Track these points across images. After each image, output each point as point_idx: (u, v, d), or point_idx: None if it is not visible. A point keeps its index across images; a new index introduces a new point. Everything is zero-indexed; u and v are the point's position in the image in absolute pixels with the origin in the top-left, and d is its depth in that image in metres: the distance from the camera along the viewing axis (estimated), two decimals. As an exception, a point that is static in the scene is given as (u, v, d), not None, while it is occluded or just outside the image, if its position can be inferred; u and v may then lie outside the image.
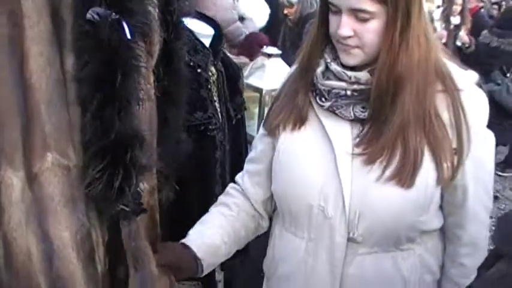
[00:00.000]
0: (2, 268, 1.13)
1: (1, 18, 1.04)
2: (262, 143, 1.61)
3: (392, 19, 1.31)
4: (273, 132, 1.54)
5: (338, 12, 1.35)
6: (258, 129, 3.67)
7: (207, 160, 2.11)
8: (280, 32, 4.15)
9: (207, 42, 2.15)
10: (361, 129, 1.41)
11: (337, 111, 1.41)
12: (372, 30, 1.33)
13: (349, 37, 1.34)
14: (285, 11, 4.00)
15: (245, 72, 3.26)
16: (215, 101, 2.13)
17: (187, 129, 1.67)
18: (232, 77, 2.28)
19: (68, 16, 1.09)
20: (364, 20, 1.32)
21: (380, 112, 1.36)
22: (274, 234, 1.61)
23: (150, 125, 1.32)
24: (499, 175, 5.71)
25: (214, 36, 2.19)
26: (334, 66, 1.41)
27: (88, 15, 1.07)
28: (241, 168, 2.25)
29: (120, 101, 1.12)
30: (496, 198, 4.93)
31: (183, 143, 1.54)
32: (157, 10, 1.27)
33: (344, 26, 1.33)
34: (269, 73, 3.65)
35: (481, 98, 1.42)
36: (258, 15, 3.67)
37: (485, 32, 5.69)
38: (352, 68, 1.40)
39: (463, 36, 5.86)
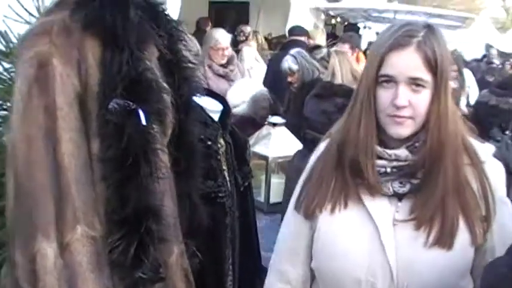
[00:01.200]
0: None
1: (38, 111, 1.25)
2: (296, 225, 1.61)
3: (438, 90, 1.40)
4: (310, 216, 1.54)
5: (392, 84, 1.40)
6: (264, 195, 3.82)
7: (218, 226, 2.25)
8: (285, 97, 4.37)
9: (216, 116, 2.33)
10: (398, 204, 1.46)
11: (379, 190, 1.45)
12: (424, 100, 1.40)
13: (405, 107, 1.39)
14: (289, 79, 4.21)
15: (251, 141, 3.45)
16: (224, 171, 2.30)
17: (200, 197, 1.83)
18: (240, 148, 2.45)
19: (93, 107, 1.30)
20: (418, 90, 1.39)
21: (426, 183, 1.43)
22: None
23: (170, 199, 1.49)
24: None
25: (222, 111, 2.38)
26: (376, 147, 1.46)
27: (110, 106, 1.27)
28: (249, 234, 2.40)
29: (137, 178, 1.31)
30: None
31: (200, 211, 1.70)
32: (170, 96, 1.46)
33: (402, 96, 1.38)
34: (274, 141, 3.84)
35: (501, 169, 1.55)
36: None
37: (484, 91, 5.90)
38: (387, 145, 1.46)
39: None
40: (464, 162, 1.46)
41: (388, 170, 1.45)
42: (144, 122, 1.30)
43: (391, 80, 1.40)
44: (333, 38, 9.32)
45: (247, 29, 7.62)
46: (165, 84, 1.44)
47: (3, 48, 3.10)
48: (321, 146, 1.62)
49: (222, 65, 4.75)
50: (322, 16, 10.33)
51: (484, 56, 12.90)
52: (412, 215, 1.44)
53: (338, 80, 4.22)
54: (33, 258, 1.25)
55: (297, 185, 1.62)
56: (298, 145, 3.43)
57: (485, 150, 1.53)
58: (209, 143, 2.24)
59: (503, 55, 17.84)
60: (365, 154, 1.45)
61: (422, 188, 1.44)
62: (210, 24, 7.30)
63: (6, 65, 3.13)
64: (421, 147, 1.44)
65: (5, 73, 3.14)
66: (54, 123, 1.26)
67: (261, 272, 2.64)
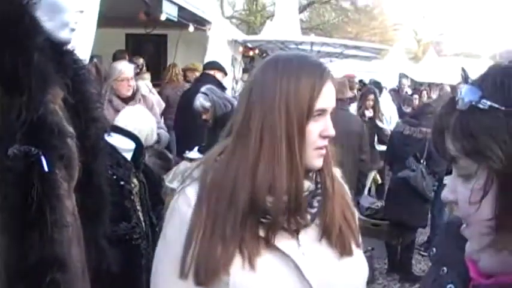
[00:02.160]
0: None
1: None
2: None
3: None
4: (209, 282, 1.30)
5: (322, 116, 1.35)
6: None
7: (133, 268, 2.19)
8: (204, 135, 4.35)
9: (128, 155, 2.29)
10: (299, 238, 1.38)
11: (286, 225, 1.35)
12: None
13: (329, 138, 1.38)
14: (204, 116, 4.20)
15: (169, 177, 3.39)
16: (138, 211, 2.25)
17: (113, 239, 1.76)
18: (154, 187, 2.41)
19: None
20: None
21: (325, 207, 1.41)
22: None
23: (76, 246, 1.43)
24: (423, 255, 5.95)
25: (135, 149, 2.33)
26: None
27: (9, 152, 1.20)
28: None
29: (38, 227, 1.24)
30: (420, 277, 5.12)
31: (108, 255, 1.63)
32: (75, 139, 1.40)
33: (331, 126, 1.36)
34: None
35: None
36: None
37: (399, 121, 6.15)
38: None
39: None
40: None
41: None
42: (46, 168, 1.23)
43: (323, 113, 1.35)
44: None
45: (140, 60, 7.55)
46: (69, 128, 1.38)
47: None
48: (190, 194, 1.36)
49: (125, 98, 4.65)
50: (240, 48, 10.42)
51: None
52: (316, 240, 1.40)
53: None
54: None
55: (173, 247, 1.33)
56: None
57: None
58: (122, 183, 2.19)
59: (416, 84, 18.75)
60: (295, 196, 1.33)
61: (320, 214, 1.40)
62: (127, 57, 7.18)
63: None
64: (314, 174, 1.42)
65: None
66: None
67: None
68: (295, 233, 1.38)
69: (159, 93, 7.23)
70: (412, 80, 19.21)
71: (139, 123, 2.55)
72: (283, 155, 1.31)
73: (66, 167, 1.35)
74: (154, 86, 7.22)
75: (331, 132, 1.36)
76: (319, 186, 1.41)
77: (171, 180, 3.45)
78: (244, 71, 10.14)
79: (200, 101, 4.07)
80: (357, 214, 1.53)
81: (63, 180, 1.33)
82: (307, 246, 1.39)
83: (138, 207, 2.25)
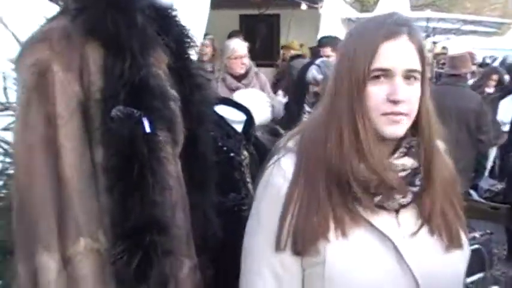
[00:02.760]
0: None
1: (38, 120, 1.20)
2: (285, 268, 1.32)
3: (424, 82, 1.30)
4: (305, 252, 1.29)
5: (386, 78, 1.26)
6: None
7: (241, 239, 2.17)
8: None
9: (239, 127, 2.26)
10: (399, 217, 1.33)
11: (385, 204, 1.30)
12: (417, 94, 1.28)
13: (403, 103, 1.25)
14: (315, 89, 4.10)
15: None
16: (248, 183, 2.22)
17: (221, 210, 1.75)
18: (265, 159, 2.37)
19: (96, 115, 1.23)
20: (411, 83, 1.26)
21: (424, 188, 1.33)
22: None
23: (181, 211, 1.43)
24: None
25: (246, 121, 2.30)
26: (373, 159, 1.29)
27: (112, 114, 1.20)
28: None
29: (139, 190, 1.24)
30: None
31: (214, 224, 1.62)
32: (179, 103, 1.39)
33: (402, 89, 1.24)
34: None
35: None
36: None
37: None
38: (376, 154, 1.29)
39: None
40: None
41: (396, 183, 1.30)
42: (148, 129, 1.22)
43: (386, 73, 1.26)
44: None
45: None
46: (173, 91, 1.37)
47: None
48: (285, 165, 1.34)
49: (238, 76, 4.66)
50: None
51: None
52: (418, 223, 1.33)
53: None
54: (34, 271, 1.21)
55: (267, 221, 1.33)
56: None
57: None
58: (232, 154, 2.17)
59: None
60: (371, 168, 1.27)
61: (421, 194, 1.33)
62: (241, 37, 7.26)
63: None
64: (417, 151, 1.32)
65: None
66: (55, 132, 1.20)
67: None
68: (395, 212, 1.32)
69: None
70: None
71: (251, 98, 2.56)
72: (349, 120, 1.27)
73: (169, 130, 1.33)
74: (266, 66, 7.27)
75: (399, 96, 1.23)
76: (420, 164, 1.32)
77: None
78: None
79: (312, 72, 4.00)
80: (461, 196, 1.43)
81: (166, 143, 1.32)
82: (408, 228, 1.33)
83: (248, 179, 2.22)
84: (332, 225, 1.27)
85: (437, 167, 1.33)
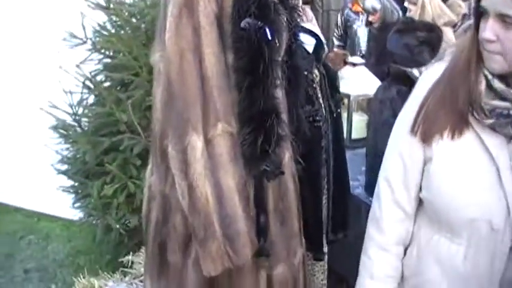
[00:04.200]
0: (187, 209, 1.58)
1: (188, 29, 1.54)
2: (412, 149, 1.52)
3: None
4: (427, 139, 1.47)
5: (487, 16, 1.33)
6: (346, 131, 4.04)
7: (315, 147, 2.51)
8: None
9: (310, 49, 2.57)
10: None
11: (497, 129, 1.39)
12: None
13: (492, 42, 1.32)
14: (370, 18, 4.31)
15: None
16: (319, 98, 2.54)
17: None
18: (331, 78, 2.68)
19: (228, 26, 1.58)
20: (507, 27, 1.30)
21: None
22: (420, 236, 1.59)
23: (284, 107, 1.76)
24: None
25: (315, 45, 2.61)
26: (498, 84, 1.38)
27: (242, 24, 1.53)
28: (341, 156, 2.64)
29: (263, 84, 1.58)
30: None
31: (304, 124, 1.96)
32: (286, 19, 1.71)
33: (488, 30, 1.31)
34: (355, 80, 4.03)
35: None
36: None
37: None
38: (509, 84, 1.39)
39: None
40: None
41: (511, 112, 1.38)
42: (270, 38, 1.55)
43: (485, 11, 1.33)
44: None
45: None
46: (282, 9, 1.68)
47: (104, 3, 3.44)
48: (438, 68, 1.52)
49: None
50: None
51: None
52: None
53: (428, 13, 4.34)
54: (184, 149, 1.55)
55: (408, 109, 1.55)
56: (377, 83, 3.62)
57: None
58: (305, 72, 2.48)
59: None
60: (467, 78, 1.40)
61: None
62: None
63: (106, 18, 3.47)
64: None
65: (108, 24, 3.48)
66: (199, 39, 1.54)
67: (350, 194, 2.90)
68: (509, 141, 1.41)
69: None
70: None
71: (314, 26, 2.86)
72: (471, 46, 1.40)
73: (279, 39, 1.65)
74: None
75: (483, 35, 1.32)
76: None
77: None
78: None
79: (371, 2, 4.21)
80: None
81: (279, 49, 1.65)
82: None
83: (319, 95, 2.54)
84: (449, 126, 1.43)
85: None
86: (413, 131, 1.50)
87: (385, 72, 3.33)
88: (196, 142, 1.55)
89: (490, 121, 1.39)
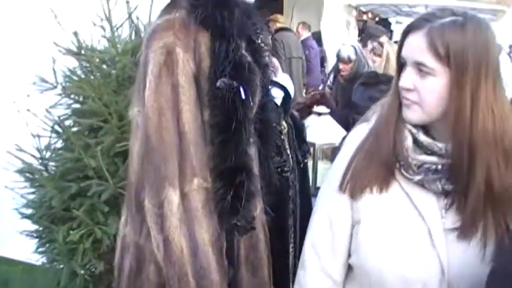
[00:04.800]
0: (162, 260, 1.62)
1: (167, 88, 1.60)
2: (341, 206, 1.50)
3: (457, 84, 1.29)
4: (355, 195, 1.45)
5: (406, 65, 1.35)
6: (312, 180, 4.13)
7: (283, 197, 2.57)
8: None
9: (278, 102, 2.66)
10: (445, 201, 1.39)
11: (426, 185, 1.37)
12: (430, 89, 1.31)
13: (410, 91, 1.33)
14: (341, 66, 4.41)
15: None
16: (287, 149, 2.62)
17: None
18: (299, 129, 2.77)
19: (205, 84, 1.65)
20: (424, 76, 1.31)
21: (460, 183, 1.35)
22: None
23: (256, 162, 1.82)
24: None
25: (283, 97, 2.70)
26: (423, 138, 1.38)
27: (218, 84, 1.60)
28: (308, 206, 2.71)
29: (236, 141, 1.64)
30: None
31: (274, 177, 2.02)
32: (258, 78, 1.79)
33: (405, 78, 1.33)
34: (320, 129, 4.14)
35: None
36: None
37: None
38: (436, 137, 1.38)
39: None
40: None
41: (439, 167, 1.37)
42: (243, 96, 1.63)
43: (403, 60, 1.36)
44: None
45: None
46: (256, 68, 1.76)
47: (75, 49, 3.48)
48: (363, 129, 1.52)
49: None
50: (354, 12, 10.57)
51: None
52: (457, 219, 1.38)
53: (393, 65, 4.53)
54: (161, 204, 1.60)
55: (339, 165, 1.52)
56: (342, 133, 3.73)
57: None
58: (274, 124, 2.56)
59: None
60: (390, 132, 1.40)
61: (459, 189, 1.37)
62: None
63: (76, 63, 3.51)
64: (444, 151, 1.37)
65: (78, 70, 3.51)
66: (177, 97, 1.61)
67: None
68: (442, 197, 1.39)
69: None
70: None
71: (284, 77, 2.98)
72: (394, 99, 1.41)
73: (253, 97, 1.73)
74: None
75: (401, 83, 1.34)
76: (444, 163, 1.36)
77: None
78: (359, 34, 10.29)
79: (348, 51, 4.34)
80: None
81: (252, 107, 1.72)
82: (451, 219, 1.38)
83: (287, 146, 2.62)
84: (377, 183, 1.41)
85: (484, 166, 1.31)
86: (341, 188, 1.48)
87: (350, 122, 3.44)
88: (173, 197, 1.60)
89: (418, 177, 1.37)
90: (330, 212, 1.52)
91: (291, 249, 2.68)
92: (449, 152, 1.34)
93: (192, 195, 1.63)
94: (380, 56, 4.82)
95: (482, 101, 1.29)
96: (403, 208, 1.41)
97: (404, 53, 1.36)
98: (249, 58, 1.71)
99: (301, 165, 2.74)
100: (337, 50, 4.99)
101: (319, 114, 4.23)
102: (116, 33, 3.45)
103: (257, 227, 1.86)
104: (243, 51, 1.69)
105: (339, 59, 4.47)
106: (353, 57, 4.39)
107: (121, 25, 3.45)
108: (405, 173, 1.39)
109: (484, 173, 1.31)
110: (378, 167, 1.42)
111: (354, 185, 1.45)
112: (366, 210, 1.44)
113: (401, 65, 1.38)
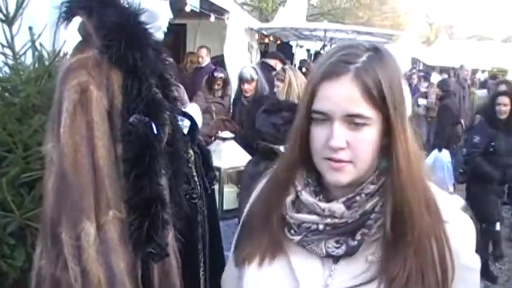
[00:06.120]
0: None
1: (82, 125, 1.66)
2: (230, 274, 1.46)
3: (390, 127, 1.16)
4: (240, 265, 1.34)
5: (326, 122, 1.17)
6: (219, 204, 4.23)
7: (192, 223, 2.66)
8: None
9: (185, 131, 2.75)
10: (333, 267, 1.23)
11: (307, 247, 1.23)
12: (366, 141, 1.16)
13: (342, 149, 1.16)
14: (245, 86, 4.55)
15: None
16: (195, 176, 2.71)
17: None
18: (205, 157, 2.87)
19: (117, 120, 1.72)
20: (358, 129, 1.15)
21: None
22: None
23: (168, 193, 1.91)
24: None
25: (190, 126, 2.80)
26: (305, 197, 1.24)
27: (131, 120, 1.68)
28: (216, 230, 2.81)
29: (149, 173, 1.72)
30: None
31: (184, 205, 2.11)
32: (169, 112, 1.88)
33: (337, 136, 1.14)
34: (225, 154, 4.27)
35: (468, 228, 1.24)
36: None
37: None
38: (325, 197, 1.25)
39: None
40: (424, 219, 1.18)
41: (321, 227, 1.22)
42: (155, 132, 1.71)
43: (325, 116, 1.17)
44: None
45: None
46: (166, 102, 1.85)
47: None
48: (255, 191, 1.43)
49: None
50: (256, 36, 10.85)
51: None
52: (353, 281, 1.19)
53: (295, 90, 4.75)
54: (78, 236, 1.65)
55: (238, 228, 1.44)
56: (246, 157, 3.87)
57: (450, 205, 1.25)
58: (181, 153, 2.65)
59: (429, 68, 19.06)
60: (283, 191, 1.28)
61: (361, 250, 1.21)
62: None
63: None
64: (363, 202, 1.21)
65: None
66: (92, 133, 1.67)
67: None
68: (331, 262, 1.24)
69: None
70: (424, 64, 19.47)
71: (191, 107, 3.08)
72: (292, 158, 1.28)
73: (164, 131, 1.82)
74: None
75: (332, 142, 1.16)
76: (368, 215, 1.20)
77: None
78: (261, 57, 10.56)
79: (250, 71, 4.51)
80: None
81: (163, 141, 1.81)
82: (341, 284, 1.21)
83: (194, 173, 2.71)
84: (260, 250, 1.29)
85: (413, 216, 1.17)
86: (234, 252, 1.41)
87: (254, 147, 3.58)
88: (90, 229, 1.65)
89: (298, 238, 1.24)
90: (225, 276, 1.55)
91: (201, 273, 2.76)
92: (338, 212, 1.21)
93: (108, 226, 1.69)
94: (283, 81, 5.07)
95: (408, 145, 1.18)
96: (283, 274, 1.26)
97: (327, 108, 1.16)
98: (159, 94, 1.80)
99: (209, 192, 2.84)
100: (238, 73, 5.22)
101: (224, 139, 4.35)
102: (18, 61, 3.42)
103: (170, 254, 1.94)
104: (154, 88, 1.78)
105: (242, 80, 4.65)
106: (255, 76, 4.59)
107: (24, 52, 3.42)
108: (287, 233, 1.25)
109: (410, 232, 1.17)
110: (263, 232, 1.30)
111: (239, 253, 1.36)
112: (247, 278, 1.31)
113: (308, 122, 1.21)
